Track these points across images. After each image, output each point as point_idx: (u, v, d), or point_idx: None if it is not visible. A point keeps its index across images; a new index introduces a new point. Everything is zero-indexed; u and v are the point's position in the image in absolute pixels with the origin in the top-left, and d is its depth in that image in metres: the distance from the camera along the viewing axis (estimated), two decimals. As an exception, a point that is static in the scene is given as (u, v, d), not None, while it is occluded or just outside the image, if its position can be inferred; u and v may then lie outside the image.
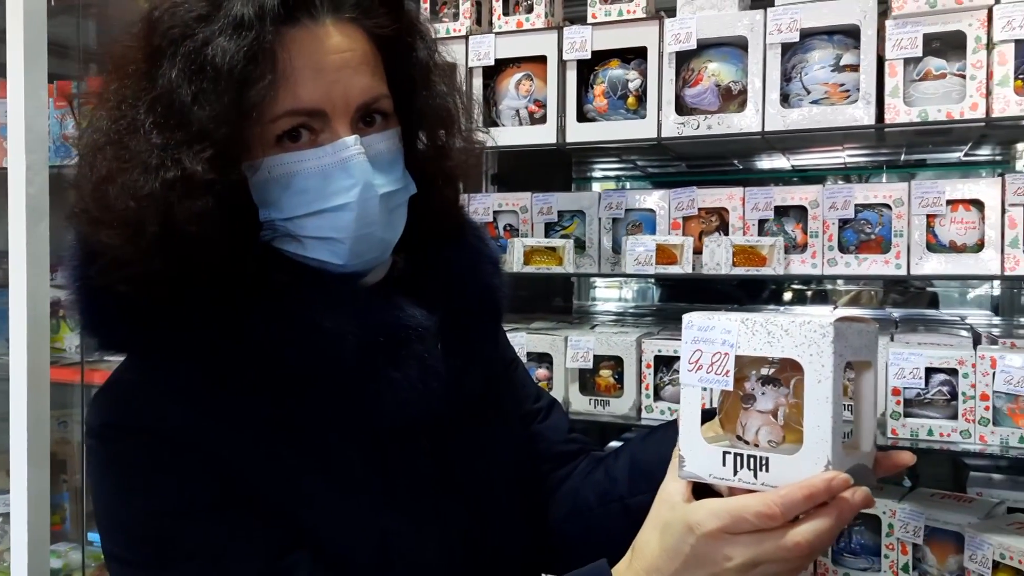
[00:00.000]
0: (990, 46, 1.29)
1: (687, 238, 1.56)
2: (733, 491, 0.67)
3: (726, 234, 1.60)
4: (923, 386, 1.36)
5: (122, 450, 0.75)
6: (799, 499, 0.60)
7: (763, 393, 0.69)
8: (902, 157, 2.11)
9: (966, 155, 2.11)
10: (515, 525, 0.89)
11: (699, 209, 1.62)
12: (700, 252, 1.56)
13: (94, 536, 2.07)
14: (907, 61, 1.36)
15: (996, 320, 2.02)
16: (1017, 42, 1.27)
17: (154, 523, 0.72)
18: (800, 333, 0.65)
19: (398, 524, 0.78)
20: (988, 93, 1.30)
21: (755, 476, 0.66)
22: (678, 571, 0.64)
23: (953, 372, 1.35)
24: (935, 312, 2.19)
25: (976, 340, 1.56)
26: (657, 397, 1.54)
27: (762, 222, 1.58)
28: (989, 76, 1.30)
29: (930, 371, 1.36)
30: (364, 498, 0.77)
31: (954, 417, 1.35)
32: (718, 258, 1.50)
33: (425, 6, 1.67)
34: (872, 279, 1.65)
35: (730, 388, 0.68)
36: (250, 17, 0.70)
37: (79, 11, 2.09)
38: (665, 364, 1.55)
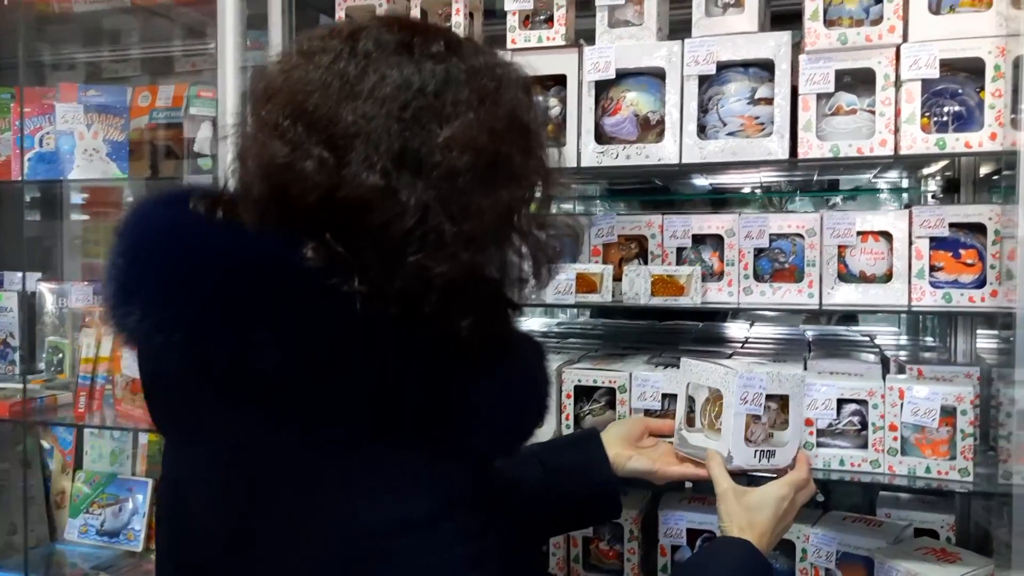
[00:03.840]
0: (898, 84, 1.32)
1: (607, 267, 1.55)
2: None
3: (646, 261, 1.60)
4: (835, 416, 1.38)
5: None
6: (806, 467, 1.16)
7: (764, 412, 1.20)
8: (815, 178, 2.16)
9: (875, 177, 2.18)
10: None
11: (619, 236, 1.61)
12: (620, 279, 1.56)
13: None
14: (820, 96, 1.37)
15: (903, 339, 2.09)
16: (924, 81, 1.30)
17: None
18: (792, 380, 1.21)
19: None
20: (896, 130, 1.33)
21: (768, 461, 1.19)
22: (780, 520, 1.09)
23: (864, 403, 1.38)
24: (847, 330, 2.25)
25: (885, 364, 1.61)
26: (578, 427, 1.53)
27: (680, 249, 1.58)
28: (897, 113, 1.33)
29: (842, 401, 1.39)
30: None
31: (865, 447, 1.38)
32: (637, 288, 1.49)
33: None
34: (786, 309, 1.68)
35: (761, 414, 1.20)
36: None
37: None
38: (586, 394, 1.54)
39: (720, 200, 2.39)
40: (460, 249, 0.76)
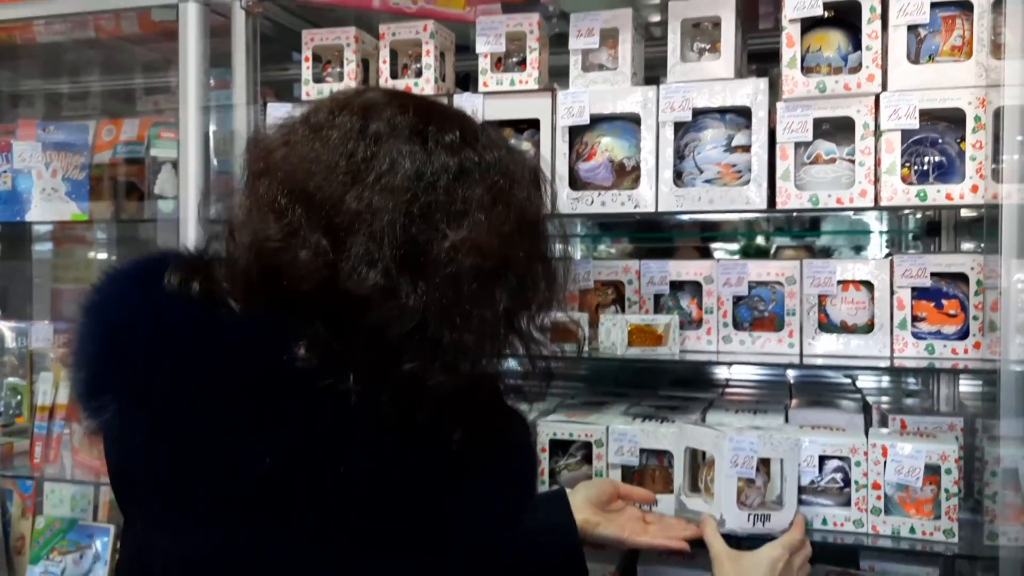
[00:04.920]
0: (878, 133, 1.29)
1: (582, 314, 1.51)
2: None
3: (623, 306, 1.56)
4: (817, 473, 1.34)
5: None
6: (801, 529, 1.18)
7: (756, 477, 1.23)
8: (794, 213, 2.13)
9: (856, 213, 2.15)
10: None
11: (595, 281, 1.57)
12: (596, 325, 1.51)
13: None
14: (798, 144, 1.34)
15: (885, 381, 2.06)
16: (904, 131, 1.27)
17: None
18: (785, 444, 1.25)
19: None
20: (876, 180, 1.30)
21: (764, 525, 1.21)
22: None
23: (846, 459, 1.33)
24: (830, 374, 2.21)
25: (867, 412, 1.57)
26: (553, 482, 1.48)
27: (658, 296, 1.54)
28: (877, 163, 1.30)
29: (824, 457, 1.34)
30: None
31: (848, 504, 1.33)
32: (614, 338, 1.44)
33: (307, 64, 1.57)
34: (766, 363, 1.64)
35: (753, 476, 1.22)
36: None
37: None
38: (561, 448, 1.48)
39: (700, 238, 2.35)
40: (459, 360, 0.72)
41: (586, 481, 1.34)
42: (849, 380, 1.97)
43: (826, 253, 2.41)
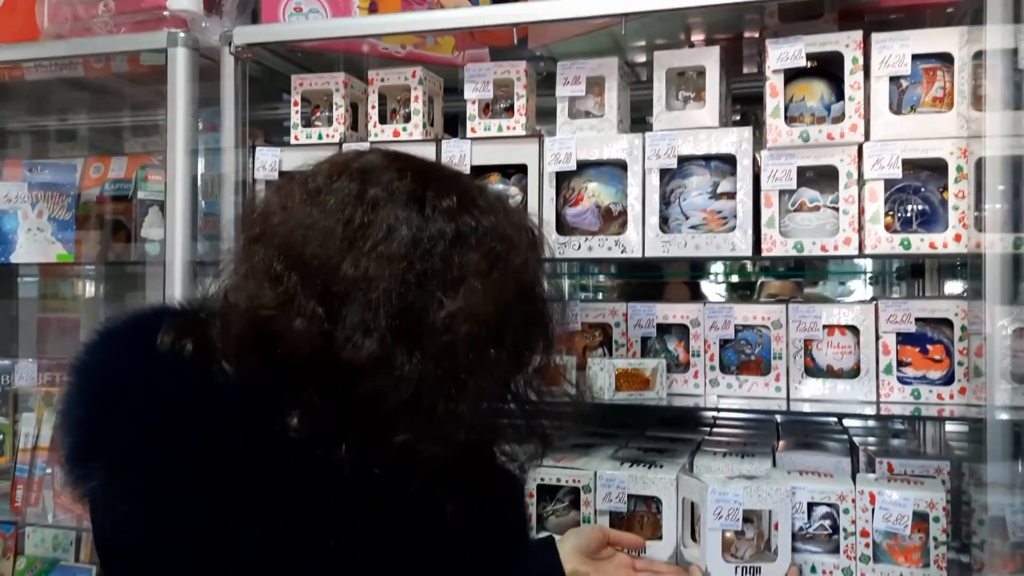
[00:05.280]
0: (861, 182, 1.30)
1: (570, 358, 1.51)
2: None
3: (610, 349, 1.56)
4: (806, 520, 1.34)
5: None
6: None
7: (746, 528, 1.24)
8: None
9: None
10: None
11: (583, 324, 1.57)
12: (583, 368, 1.51)
13: None
14: (782, 191, 1.35)
15: (872, 422, 2.06)
16: (887, 180, 1.29)
17: None
18: (772, 495, 1.26)
19: None
20: (860, 228, 1.31)
21: None
22: None
23: (834, 506, 1.33)
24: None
25: (854, 454, 1.57)
26: (541, 528, 1.47)
27: (645, 339, 1.54)
28: (861, 211, 1.31)
29: (812, 504, 1.34)
30: None
31: (836, 551, 1.33)
32: (601, 382, 1.44)
33: (296, 108, 1.58)
34: (752, 409, 1.64)
35: (740, 529, 1.22)
36: None
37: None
38: (549, 493, 1.48)
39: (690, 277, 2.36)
40: (454, 430, 0.70)
41: (575, 528, 1.33)
42: (835, 419, 1.98)
43: (812, 284, 2.42)
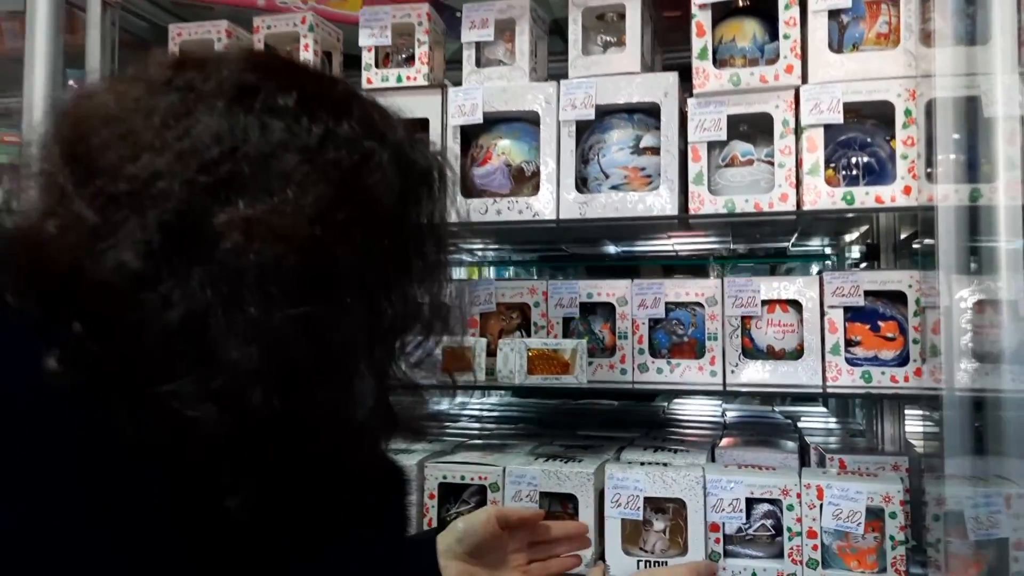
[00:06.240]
0: (799, 131, 1.15)
1: (480, 340, 1.33)
2: None
3: (528, 333, 1.38)
4: (744, 520, 1.16)
5: None
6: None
7: (657, 519, 1.11)
8: (730, 245, 1.99)
9: (794, 245, 2.02)
10: None
11: (498, 304, 1.40)
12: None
13: None
14: (712, 145, 1.20)
15: (832, 422, 1.90)
16: (828, 129, 1.13)
17: None
18: (684, 482, 1.11)
19: None
20: (798, 183, 1.15)
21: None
22: None
23: (777, 502, 1.16)
24: (770, 411, 2.05)
25: (804, 453, 1.40)
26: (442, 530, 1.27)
27: (568, 320, 1.37)
28: (799, 164, 1.15)
29: (752, 501, 1.17)
30: None
31: (780, 556, 1.15)
32: (511, 364, 1.26)
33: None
34: (686, 390, 1.47)
35: (640, 519, 1.10)
36: None
37: None
38: (454, 493, 1.28)
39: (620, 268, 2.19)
40: (249, 387, 0.51)
41: (465, 517, 1.11)
42: (790, 421, 1.81)
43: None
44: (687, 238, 1.86)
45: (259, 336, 0.52)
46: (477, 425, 1.76)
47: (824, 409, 2.13)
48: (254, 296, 0.53)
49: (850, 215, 1.19)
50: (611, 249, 2.00)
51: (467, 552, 0.94)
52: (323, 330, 0.56)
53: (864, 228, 1.66)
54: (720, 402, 2.15)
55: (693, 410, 2.04)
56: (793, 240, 1.90)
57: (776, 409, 2.08)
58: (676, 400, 2.21)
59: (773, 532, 1.16)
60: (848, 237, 1.85)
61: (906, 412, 1.50)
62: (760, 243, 1.92)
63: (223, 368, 0.52)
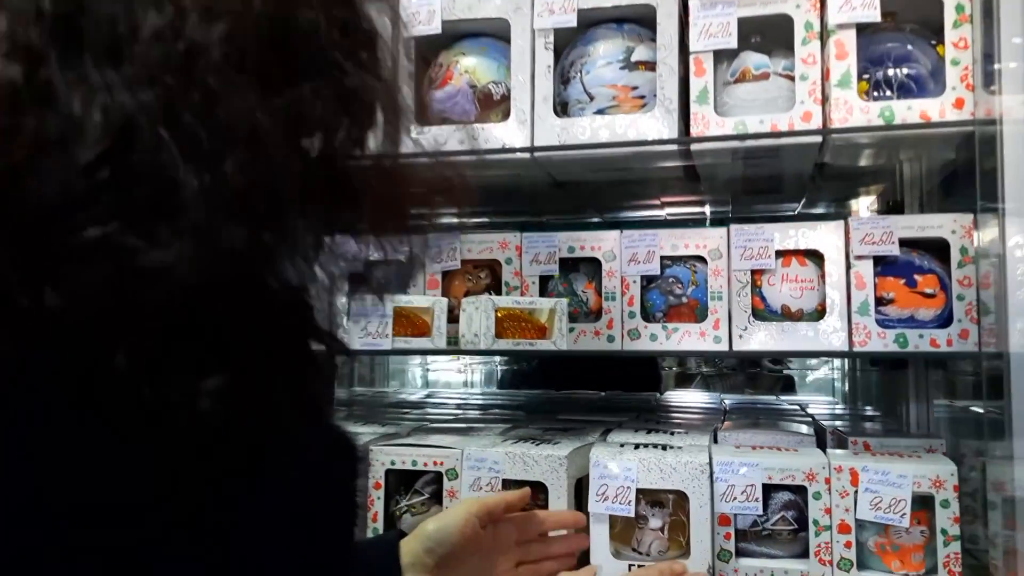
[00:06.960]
0: (825, 35, 0.94)
1: (439, 299, 1.11)
2: None
3: (500, 294, 1.17)
4: (761, 511, 0.94)
5: None
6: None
7: (653, 515, 0.92)
8: (730, 213, 1.79)
9: (801, 211, 1.82)
10: None
11: (463, 262, 1.18)
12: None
13: None
14: (719, 56, 0.99)
15: (839, 408, 1.69)
16: (859, 27, 0.93)
17: None
18: (686, 470, 0.91)
19: None
20: (824, 98, 0.94)
21: None
22: None
23: (801, 490, 0.94)
24: (775, 399, 1.84)
25: (820, 437, 1.18)
26: (390, 529, 1.04)
27: (545, 279, 1.15)
28: (825, 75, 0.95)
29: (770, 489, 0.95)
30: None
31: (804, 555, 0.93)
32: (476, 326, 1.04)
33: None
34: (685, 354, 1.26)
35: (632, 515, 0.90)
36: None
37: None
38: (405, 483, 1.06)
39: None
40: (202, 217, 0.34)
41: (437, 517, 0.89)
42: (798, 407, 1.60)
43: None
44: (682, 199, 1.65)
45: (231, 144, 0.35)
46: (443, 412, 1.54)
47: (832, 398, 1.93)
48: (212, 93, 0.35)
49: (888, 134, 0.97)
50: (595, 220, 1.80)
51: (440, 564, 0.72)
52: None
53: (883, 186, 1.46)
54: (718, 393, 1.95)
55: (688, 398, 1.82)
56: (801, 205, 1.70)
57: (782, 399, 1.87)
58: (669, 392, 2.00)
59: (796, 526, 0.94)
60: (864, 200, 1.65)
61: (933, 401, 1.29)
62: (765, 204, 1.72)
63: (185, 202, 0.34)
